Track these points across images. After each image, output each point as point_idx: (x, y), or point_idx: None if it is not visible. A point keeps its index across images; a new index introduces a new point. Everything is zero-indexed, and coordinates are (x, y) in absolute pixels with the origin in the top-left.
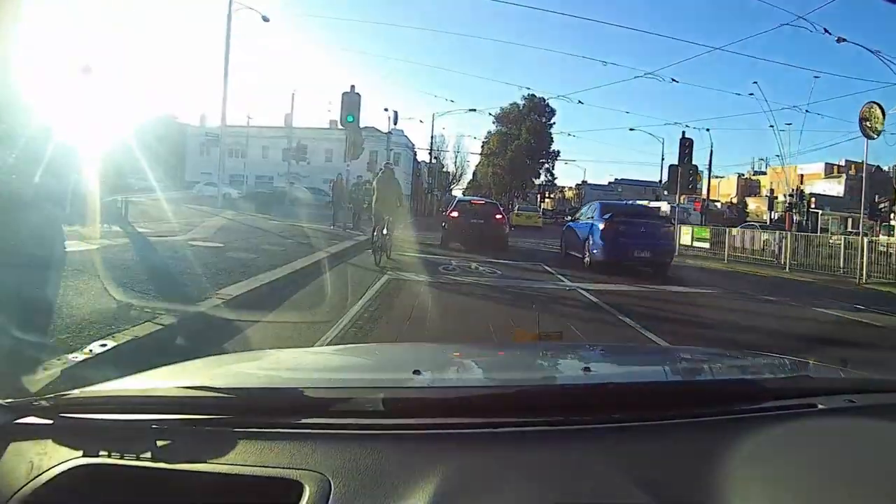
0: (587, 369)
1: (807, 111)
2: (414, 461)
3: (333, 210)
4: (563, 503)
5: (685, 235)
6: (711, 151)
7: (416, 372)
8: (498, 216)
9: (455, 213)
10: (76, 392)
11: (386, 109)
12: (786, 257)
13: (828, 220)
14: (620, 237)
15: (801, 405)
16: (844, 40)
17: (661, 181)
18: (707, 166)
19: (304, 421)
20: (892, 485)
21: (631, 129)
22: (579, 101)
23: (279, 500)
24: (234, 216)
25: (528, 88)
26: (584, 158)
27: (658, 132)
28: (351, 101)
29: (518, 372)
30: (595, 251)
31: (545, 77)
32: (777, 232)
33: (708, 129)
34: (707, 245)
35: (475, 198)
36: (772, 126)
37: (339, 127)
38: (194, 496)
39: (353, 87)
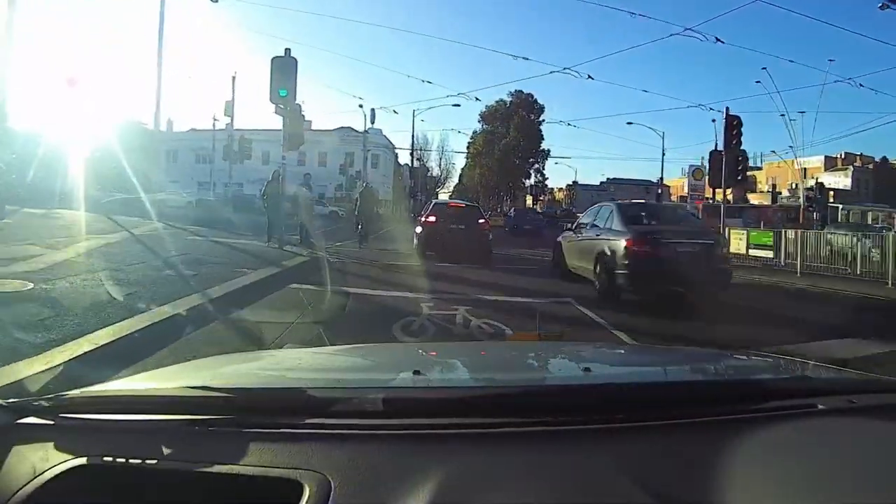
0: (587, 370)
1: (855, 84)
2: (414, 461)
3: (268, 221)
4: (563, 503)
5: (737, 240)
6: (716, 146)
7: (416, 372)
8: (480, 221)
9: (432, 219)
10: (77, 392)
11: (361, 105)
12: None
13: (847, 214)
14: (517, 221)
15: (802, 405)
16: (888, 6)
17: (661, 178)
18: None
19: (304, 421)
20: (893, 485)
21: (629, 123)
22: (589, 76)
23: (279, 500)
24: (151, 231)
25: (526, 59)
26: (579, 155)
27: (665, 118)
28: (283, 70)
29: (518, 372)
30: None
31: (549, 43)
32: None
33: (713, 120)
34: (770, 254)
35: (454, 201)
36: (783, 115)
37: (313, 129)
38: (194, 496)
39: (287, 50)
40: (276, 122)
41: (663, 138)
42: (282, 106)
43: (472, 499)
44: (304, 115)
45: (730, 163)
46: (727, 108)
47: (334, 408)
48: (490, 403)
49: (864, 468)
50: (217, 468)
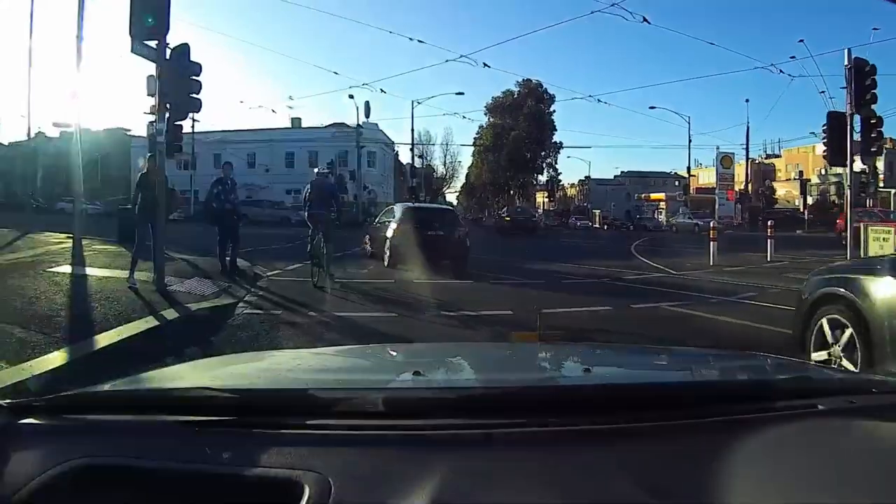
0: (588, 370)
1: None
2: (414, 461)
3: (136, 238)
4: (563, 503)
5: (878, 242)
6: (748, 129)
7: (417, 372)
8: (460, 228)
9: (404, 226)
10: (77, 392)
11: (351, 97)
12: None
13: None
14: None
15: (802, 406)
16: None
17: (688, 168)
18: (744, 147)
19: (304, 421)
20: (892, 485)
21: (652, 108)
22: (644, 20)
23: (279, 500)
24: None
25: None
26: (595, 143)
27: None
28: None
29: (518, 372)
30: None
31: None
32: None
33: (747, 100)
34: None
35: (427, 205)
36: (823, 91)
37: (304, 126)
38: (194, 496)
39: None
40: (257, 121)
41: (689, 124)
42: (149, 44)
43: (472, 499)
44: (196, 64)
45: (863, 127)
46: (848, 50)
47: (334, 408)
48: (490, 403)
49: (864, 468)
50: (217, 468)
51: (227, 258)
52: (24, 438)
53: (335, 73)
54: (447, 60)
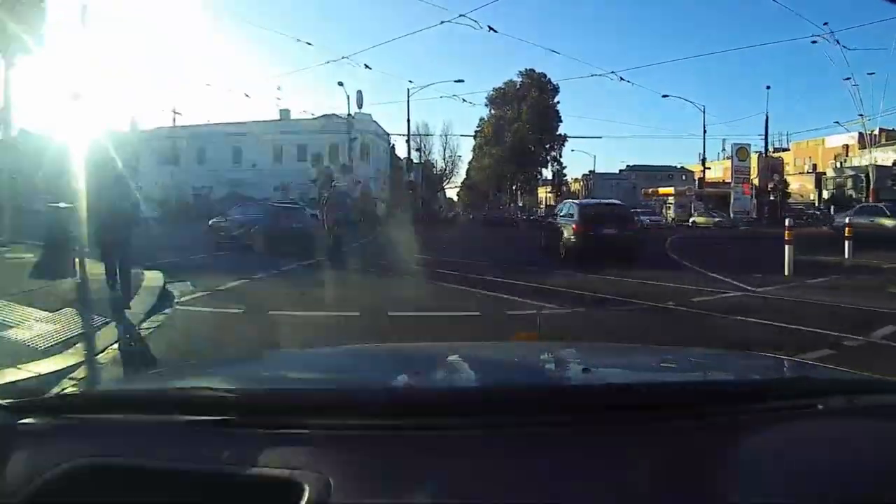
0: (587, 370)
1: None
2: (414, 461)
3: None
4: (563, 503)
5: None
6: (767, 118)
7: (417, 372)
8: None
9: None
10: (77, 392)
11: (341, 84)
12: None
13: None
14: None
15: (801, 405)
16: None
17: (703, 160)
18: (763, 136)
19: (304, 421)
20: (893, 485)
21: (664, 96)
22: None
23: (279, 500)
24: None
25: None
26: (606, 134)
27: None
28: None
29: (518, 372)
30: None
31: None
32: None
33: (768, 87)
34: None
35: (288, 204)
36: (848, 78)
37: (293, 118)
38: (195, 496)
39: None
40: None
41: (704, 113)
42: None
43: (471, 499)
44: None
45: None
46: None
47: (334, 408)
48: (490, 403)
49: (864, 468)
50: (217, 468)
51: (117, 277)
52: (24, 438)
53: (308, 43)
54: (443, 22)
